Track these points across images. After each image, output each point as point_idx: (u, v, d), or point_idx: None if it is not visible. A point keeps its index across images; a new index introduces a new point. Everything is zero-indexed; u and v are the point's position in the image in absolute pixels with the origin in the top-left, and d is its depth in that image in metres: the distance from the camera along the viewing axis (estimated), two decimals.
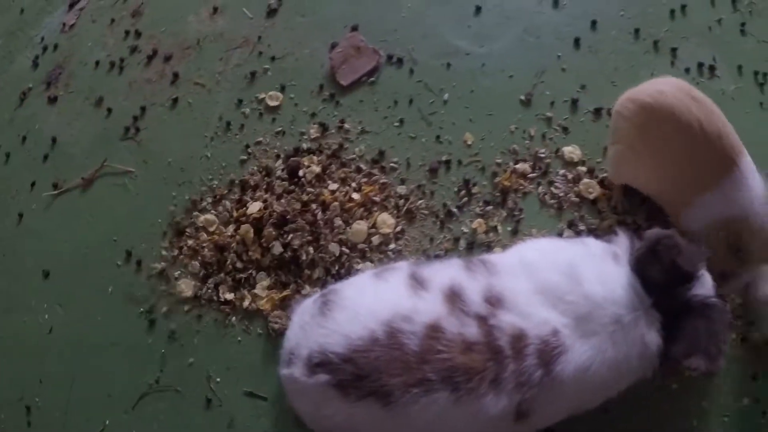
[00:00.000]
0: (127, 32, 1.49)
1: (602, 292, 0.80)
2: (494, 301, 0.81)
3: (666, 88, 0.94)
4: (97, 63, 1.48)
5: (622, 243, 0.89)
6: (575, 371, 0.78)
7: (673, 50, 1.22)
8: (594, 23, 1.26)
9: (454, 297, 0.82)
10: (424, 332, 0.79)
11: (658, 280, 0.81)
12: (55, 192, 1.34)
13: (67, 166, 1.37)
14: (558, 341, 0.78)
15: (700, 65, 1.23)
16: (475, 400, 0.77)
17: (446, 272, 0.86)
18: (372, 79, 1.31)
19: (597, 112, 1.18)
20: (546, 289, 0.82)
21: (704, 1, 1.31)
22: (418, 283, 0.85)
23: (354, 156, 1.24)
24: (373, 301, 0.85)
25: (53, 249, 1.30)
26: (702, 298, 0.83)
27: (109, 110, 1.41)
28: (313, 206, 1.18)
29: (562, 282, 0.81)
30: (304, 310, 0.93)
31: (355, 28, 1.34)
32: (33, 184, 1.37)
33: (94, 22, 1.55)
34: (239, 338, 1.14)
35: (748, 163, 0.91)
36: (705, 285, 0.85)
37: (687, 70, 1.21)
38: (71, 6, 1.62)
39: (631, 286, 0.81)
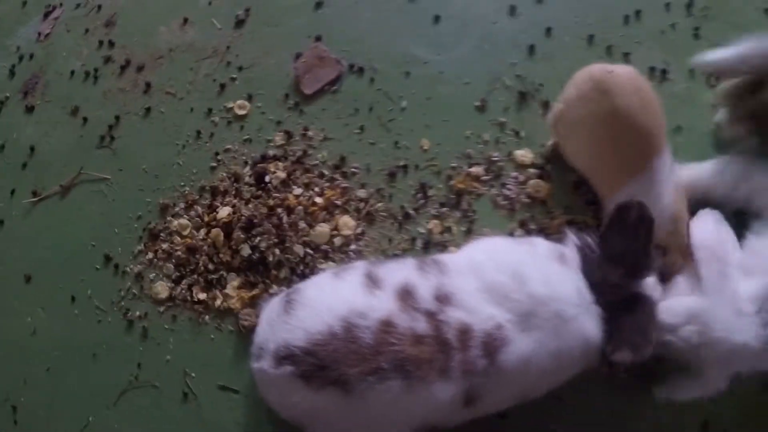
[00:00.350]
0: (101, 42, 1.52)
1: (546, 291, 0.86)
2: (443, 298, 0.87)
3: (619, 70, 1.00)
4: (73, 73, 1.51)
5: (570, 243, 0.95)
6: (518, 361, 0.85)
7: (626, 55, 1.27)
8: (549, 30, 1.31)
9: (406, 295, 0.88)
10: (378, 327, 0.85)
11: (620, 248, 0.87)
12: (35, 199, 1.40)
13: (46, 174, 1.41)
14: (501, 334, 0.84)
15: (652, 69, 1.27)
16: (425, 387, 0.83)
17: (400, 272, 0.92)
18: (334, 87, 1.34)
19: None
20: (492, 288, 0.87)
21: (659, 7, 1.34)
22: (373, 282, 0.91)
23: (317, 162, 1.28)
24: (332, 299, 0.91)
25: (34, 254, 1.35)
26: (637, 294, 0.89)
27: (85, 119, 1.44)
28: (279, 210, 1.23)
29: (508, 282, 0.87)
30: (272, 308, 0.98)
31: (318, 39, 1.38)
32: (13, 192, 1.41)
33: (69, 32, 1.58)
34: (212, 336, 1.19)
35: (663, 164, 0.97)
36: (648, 284, 0.91)
37: None
38: (46, 15, 1.65)
39: (575, 285, 0.87)
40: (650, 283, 0.91)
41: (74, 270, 1.29)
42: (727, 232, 0.96)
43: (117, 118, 1.41)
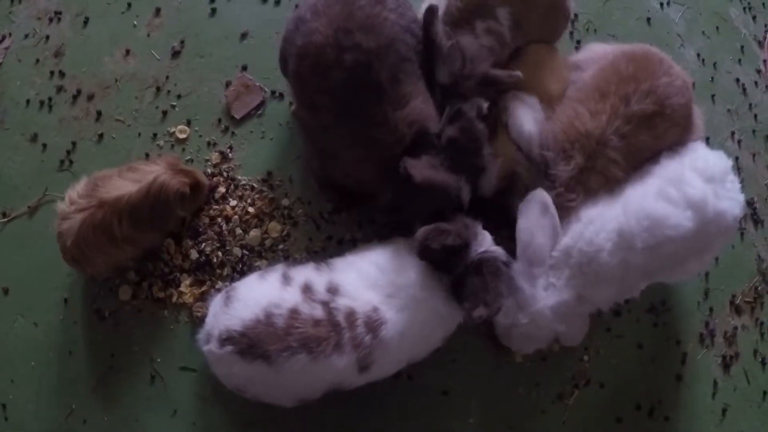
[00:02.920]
0: (52, 72, 1.56)
1: (402, 278, 1.14)
2: (333, 290, 1.15)
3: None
4: (28, 102, 1.54)
5: None
6: (395, 333, 1.13)
7: None
8: None
9: (307, 289, 1.16)
10: (288, 314, 1.13)
11: (442, 258, 1.13)
12: (5, 220, 1.47)
13: (13, 197, 1.49)
14: (378, 315, 1.12)
15: None
16: (325, 358, 1.11)
17: (304, 272, 1.20)
18: (260, 111, 1.53)
19: None
20: (366, 279, 1.15)
21: None
22: (286, 280, 1.19)
23: (248, 177, 1.48)
24: (257, 294, 1.18)
25: (9, 269, 1.44)
26: (480, 255, 1.14)
27: (44, 145, 1.51)
28: (219, 220, 1.44)
29: (375, 273, 1.15)
30: (215, 303, 1.24)
31: (244, 68, 1.55)
32: None
33: (21, 62, 1.58)
34: (171, 326, 1.38)
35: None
36: (484, 242, 1.16)
37: None
38: None
39: (423, 268, 1.15)
40: (487, 241, 1.17)
41: (48, 279, 1.42)
42: (548, 220, 1.15)
43: (74, 143, 1.51)
